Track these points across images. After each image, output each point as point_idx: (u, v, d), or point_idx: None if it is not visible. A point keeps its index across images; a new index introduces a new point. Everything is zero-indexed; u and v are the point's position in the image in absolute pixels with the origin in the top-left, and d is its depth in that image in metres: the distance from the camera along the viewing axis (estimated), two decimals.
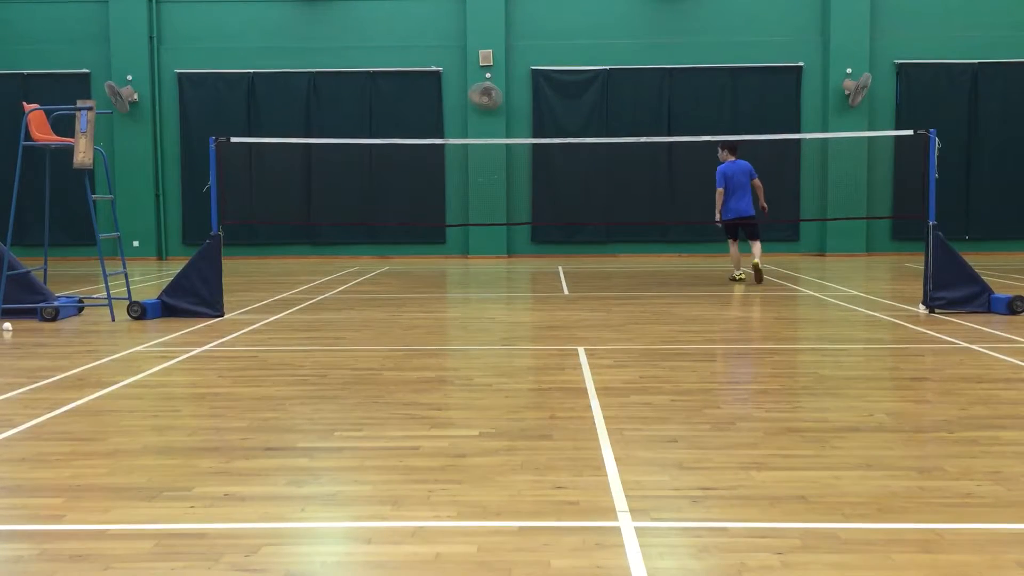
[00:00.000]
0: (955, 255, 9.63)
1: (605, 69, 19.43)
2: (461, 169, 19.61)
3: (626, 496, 3.91)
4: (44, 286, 10.07)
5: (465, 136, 19.21)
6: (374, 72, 19.62)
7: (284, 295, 12.09)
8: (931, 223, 9.63)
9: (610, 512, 3.73)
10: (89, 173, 9.98)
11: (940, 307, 9.62)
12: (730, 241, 13.39)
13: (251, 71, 19.64)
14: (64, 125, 10.35)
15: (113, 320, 9.55)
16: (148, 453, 4.69)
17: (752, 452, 4.58)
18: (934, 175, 9.70)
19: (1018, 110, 19.20)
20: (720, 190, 12.97)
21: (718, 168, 13.10)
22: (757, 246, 13.17)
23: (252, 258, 19.34)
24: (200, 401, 5.97)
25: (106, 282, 10.01)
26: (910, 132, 10.35)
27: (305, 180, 19.73)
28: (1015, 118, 19.21)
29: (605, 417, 5.30)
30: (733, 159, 13.03)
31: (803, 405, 5.71)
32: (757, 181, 13.06)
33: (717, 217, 13.17)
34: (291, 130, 19.23)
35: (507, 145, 19.23)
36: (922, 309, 9.79)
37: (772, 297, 11.62)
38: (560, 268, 16.48)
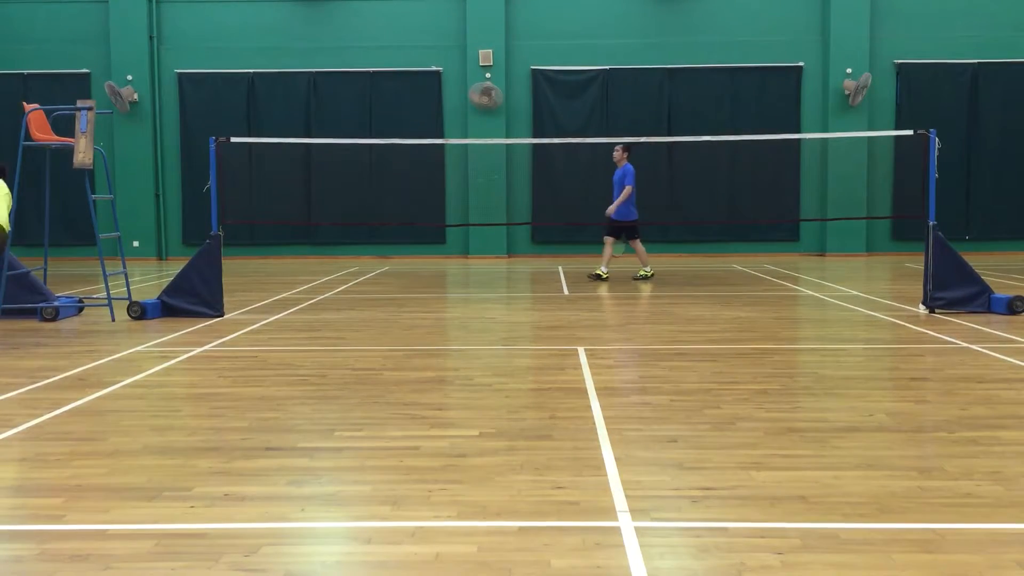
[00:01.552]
0: (955, 255, 9.63)
1: (605, 69, 19.43)
2: (461, 169, 19.61)
3: (626, 496, 3.91)
4: (44, 286, 10.07)
5: (465, 136, 19.21)
6: (374, 72, 19.61)
7: (284, 295, 12.09)
8: (931, 223, 9.62)
9: (610, 512, 3.73)
10: (89, 173, 9.98)
11: (940, 307, 9.62)
12: (638, 240, 13.69)
13: (251, 71, 19.63)
14: (64, 125, 10.35)
15: (113, 320, 9.55)
16: (148, 453, 4.69)
17: (752, 452, 4.58)
18: (934, 175, 9.70)
19: (1018, 110, 19.20)
20: (631, 188, 13.29)
21: (630, 168, 13.42)
22: (610, 248, 13.72)
23: (252, 258, 19.33)
24: (200, 401, 5.97)
25: (106, 282, 10.01)
26: (910, 132, 10.35)
27: (305, 180, 19.72)
28: (1015, 118, 19.21)
29: (605, 417, 5.30)
30: (628, 161, 13.45)
31: (803, 405, 5.71)
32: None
33: (630, 215, 13.42)
34: (291, 130, 19.22)
35: (507, 145, 19.22)
36: (922, 309, 9.79)
37: (772, 297, 11.63)
38: (560, 268, 16.48)
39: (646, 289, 12.59)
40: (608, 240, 13.74)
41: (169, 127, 19.92)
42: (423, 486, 4.08)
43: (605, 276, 13.60)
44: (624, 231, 13.64)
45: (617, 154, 13.61)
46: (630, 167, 13.49)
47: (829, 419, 5.26)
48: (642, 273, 13.68)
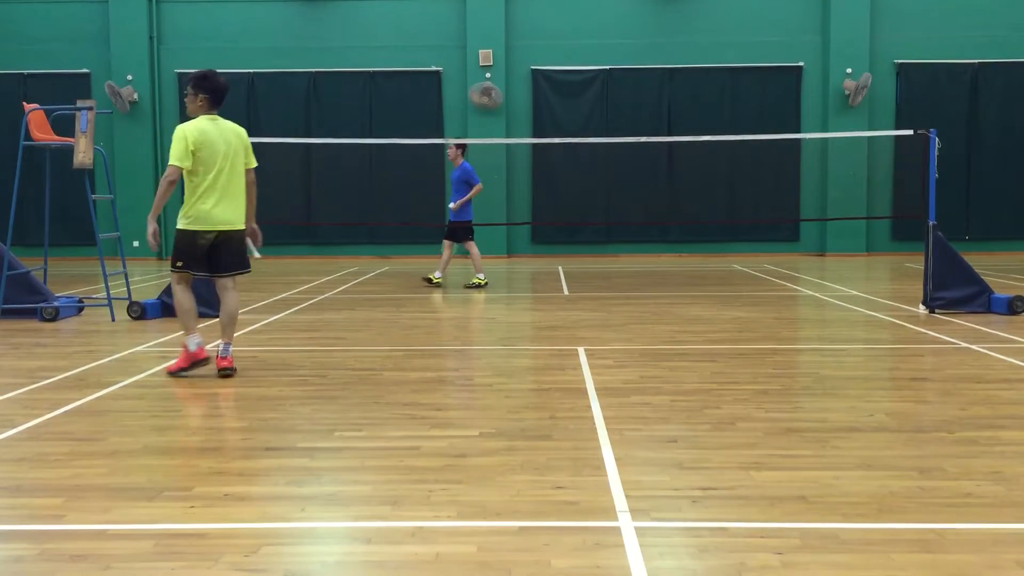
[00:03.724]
0: (955, 255, 9.63)
1: (605, 69, 19.43)
2: None
3: (626, 496, 3.91)
4: (44, 286, 10.07)
5: (465, 136, 19.20)
6: (374, 72, 19.61)
7: (284, 295, 12.09)
8: (931, 223, 9.63)
9: (610, 512, 3.73)
10: (89, 173, 9.99)
11: (940, 307, 9.62)
12: (473, 243, 12.91)
13: (251, 71, 19.63)
14: (64, 125, 10.35)
15: (113, 320, 9.55)
16: (148, 453, 4.69)
17: (752, 452, 4.58)
18: (934, 175, 9.70)
19: (1018, 110, 19.20)
20: (480, 187, 12.69)
21: (469, 167, 12.67)
22: (450, 250, 12.94)
23: (251, 258, 19.30)
24: (200, 401, 5.97)
25: (106, 282, 10.01)
26: (910, 132, 10.35)
27: (305, 180, 19.72)
28: (1015, 118, 19.22)
29: (605, 417, 5.30)
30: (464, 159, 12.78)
31: (803, 405, 5.71)
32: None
33: (466, 216, 12.73)
34: (291, 130, 19.21)
35: (507, 145, 19.23)
36: (922, 309, 9.79)
37: (772, 297, 11.63)
38: (560, 268, 16.48)
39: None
40: (447, 244, 12.96)
41: (169, 127, 19.87)
42: (423, 486, 4.08)
43: (437, 281, 12.91)
44: (459, 233, 12.82)
45: (451, 152, 12.80)
46: (469, 165, 12.71)
47: (829, 419, 5.26)
48: (475, 281, 12.89)
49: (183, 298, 6.57)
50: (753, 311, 10.11)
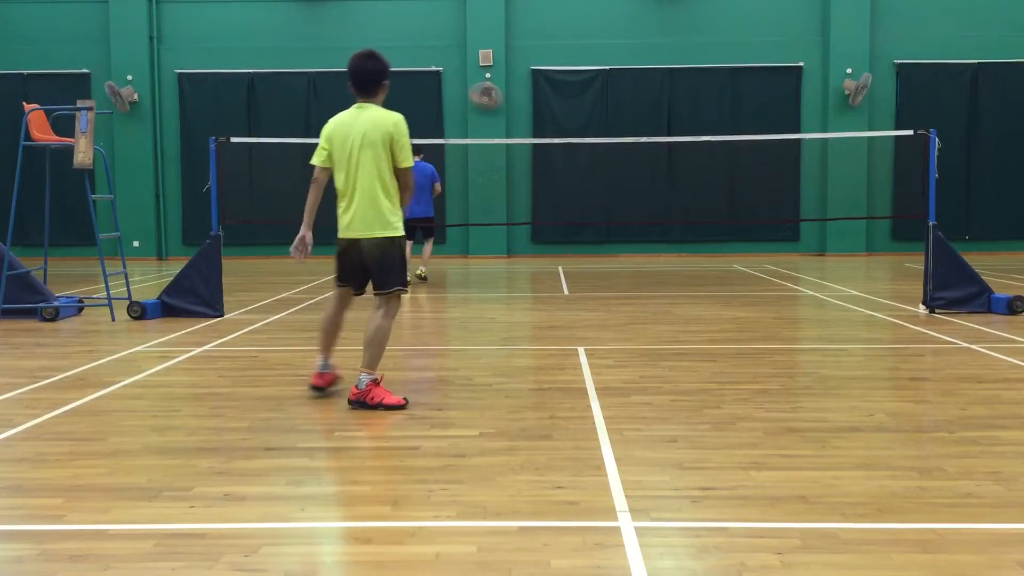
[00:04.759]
0: (955, 255, 9.63)
1: (605, 69, 19.42)
2: (461, 169, 19.60)
3: (626, 496, 3.91)
4: (44, 286, 10.07)
5: (465, 136, 19.20)
6: None
7: (284, 295, 12.08)
8: (931, 223, 9.62)
9: (610, 512, 3.73)
10: (89, 173, 9.98)
11: (940, 307, 9.62)
12: (409, 244, 13.24)
13: (251, 71, 19.62)
14: (64, 125, 10.35)
15: (113, 320, 9.55)
16: (148, 453, 4.69)
17: (752, 452, 4.58)
18: (934, 175, 9.70)
19: (1018, 110, 19.20)
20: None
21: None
22: (429, 245, 13.64)
23: (252, 258, 19.32)
24: (200, 401, 5.96)
25: (106, 282, 10.00)
26: (910, 132, 10.34)
27: (305, 180, 19.35)
28: (1015, 118, 19.21)
29: (605, 417, 5.30)
30: (418, 159, 13.14)
31: (803, 405, 5.71)
32: (438, 186, 13.45)
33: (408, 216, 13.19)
34: (291, 130, 19.17)
35: (507, 145, 19.22)
36: (922, 309, 9.79)
37: (772, 297, 11.62)
38: (560, 268, 16.47)
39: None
40: (425, 240, 13.72)
41: (169, 127, 19.92)
42: (423, 486, 4.07)
43: (422, 275, 13.58)
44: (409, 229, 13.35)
45: None
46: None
47: (829, 419, 5.26)
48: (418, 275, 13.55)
49: (326, 311, 5.95)
50: (753, 311, 10.10)
